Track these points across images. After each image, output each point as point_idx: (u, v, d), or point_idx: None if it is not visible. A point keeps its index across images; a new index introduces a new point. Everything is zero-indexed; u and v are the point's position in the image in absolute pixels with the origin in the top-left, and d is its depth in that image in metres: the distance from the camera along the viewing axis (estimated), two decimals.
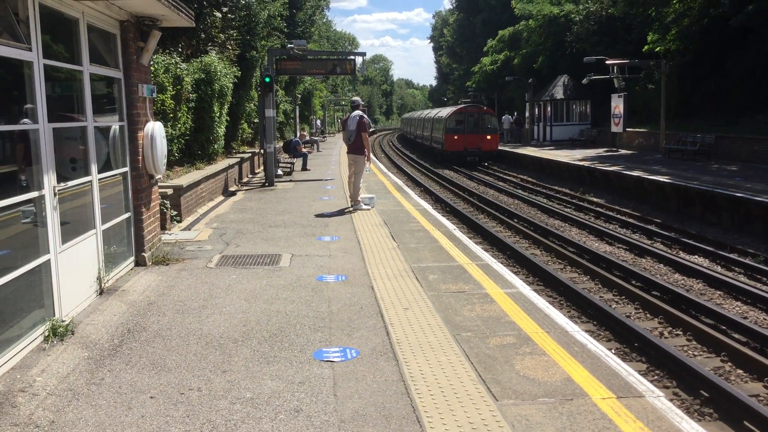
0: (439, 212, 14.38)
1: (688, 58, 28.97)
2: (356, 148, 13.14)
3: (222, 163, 16.76)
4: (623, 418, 4.15)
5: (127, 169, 7.99)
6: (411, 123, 62.47)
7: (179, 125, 13.51)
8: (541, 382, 4.71)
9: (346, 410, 4.32)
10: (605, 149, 32.04)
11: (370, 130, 15.36)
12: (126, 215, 8.01)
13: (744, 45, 26.06)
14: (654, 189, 19.19)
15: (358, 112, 13.19)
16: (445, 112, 38.57)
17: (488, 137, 34.90)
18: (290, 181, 19.40)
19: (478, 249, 9.39)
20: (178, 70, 13.41)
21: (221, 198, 15.43)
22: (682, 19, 27.86)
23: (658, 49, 29.50)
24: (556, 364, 5.03)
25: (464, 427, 4.05)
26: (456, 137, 34.90)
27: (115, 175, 7.71)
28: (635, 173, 20.66)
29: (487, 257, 8.83)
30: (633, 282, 10.77)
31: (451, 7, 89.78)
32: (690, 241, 13.98)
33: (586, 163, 25.20)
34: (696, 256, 12.92)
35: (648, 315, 9.24)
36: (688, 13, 27.54)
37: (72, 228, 6.30)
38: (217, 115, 16.57)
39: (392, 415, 4.23)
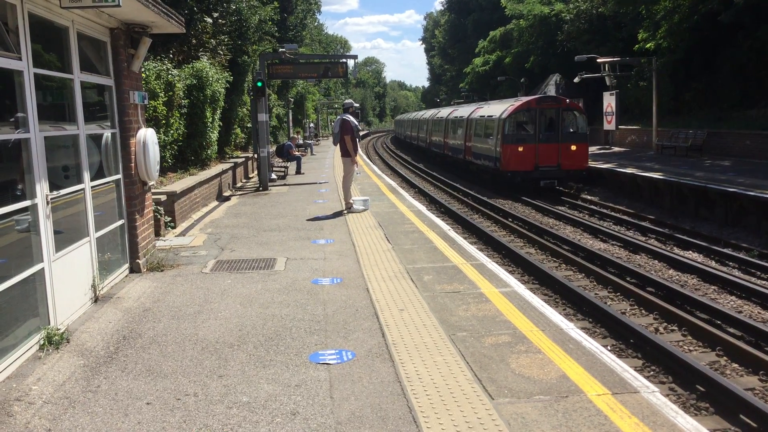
0: (433, 213, 14.40)
1: (679, 55, 29.10)
2: (343, 151, 13.27)
3: (215, 169, 16.75)
4: (618, 414, 4.17)
5: (120, 176, 7.99)
6: (412, 126, 50.77)
7: (172, 131, 13.51)
8: (536, 380, 4.73)
9: (343, 412, 4.33)
10: (598, 147, 32.12)
11: (361, 133, 15.42)
12: (120, 222, 8.00)
13: (734, 41, 26.18)
14: (647, 185, 19.24)
15: (344, 115, 13.30)
16: (496, 108, 24.71)
17: (572, 148, 21.96)
18: (284, 185, 19.40)
19: (472, 249, 9.41)
20: (169, 76, 13.41)
21: (215, 203, 15.42)
22: (672, 16, 27.98)
23: (648, 45, 29.62)
24: (552, 362, 5.05)
25: (460, 427, 4.07)
26: (521, 149, 22.01)
27: (108, 182, 7.70)
28: (628, 170, 20.72)
29: (481, 257, 8.85)
30: (628, 279, 10.80)
31: (442, 8, 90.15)
32: (684, 237, 14.04)
33: None
34: (690, 252, 12.97)
35: (643, 311, 9.27)
36: (678, 10, 27.67)
37: (65, 236, 6.30)
38: (210, 120, 16.58)
39: (389, 416, 4.24)
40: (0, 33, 5.19)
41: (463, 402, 4.40)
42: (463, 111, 31.08)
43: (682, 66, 29.21)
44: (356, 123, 13.51)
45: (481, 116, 26.02)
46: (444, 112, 37.58)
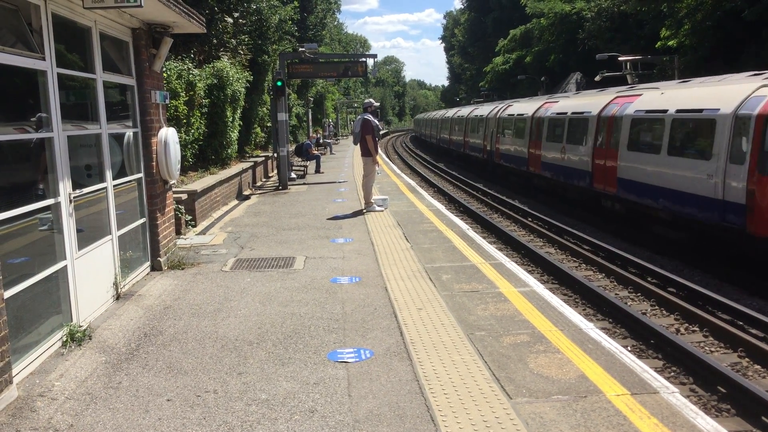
0: (452, 212, 14.37)
1: (702, 53, 28.76)
2: (364, 151, 13.25)
3: (236, 168, 16.85)
4: (638, 415, 4.14)
5: (141, 175, 8.07)
6: (445, 126, 43.36)
7: (192, 130, 13.61)
8: (555, 379, 4.71)
9: (361, 410, 4.35)
10: None
11: (381, 132, 15.45)
12: (141, 221, 8.09)
13: (758, 38, 25.84)
14: None
15: (364, 115, 13.29)
16: (707, 94, 12.59)
17: None
18: (303, 184, 19.48)
19: (491, 248, 9.39)
20: (190, 76, 13.51)
21: (235, 202, 15.52)
22: (695, 14, 27.67)
23: (671, 43, 29.33)
24: (570, 362, 5.03)
25: (478, 426, 4.06)
26: None
27: (130, 181, 7.79)
28: None
29: (500, 256, 8.83)
30: (649, 279, 10.70)
31: (462, 7, 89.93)
32: None
33: None
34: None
35: (664, 312, 9.19)
36: (700, 7, 27.36)
37: (88, 234, 6.38)
38: (230, 119, 16.67)
39: (406, 415, 4.25)
40: (24, 33, 5.27)
41: (481, 401, 4.40)
42: (575, 102, 19.55)
43: (705, 64, 28.85)
44: (377, 123, 13.51)
45: (653, 112, 13.87)
46: (520, 107, 25.30)
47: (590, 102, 18.13)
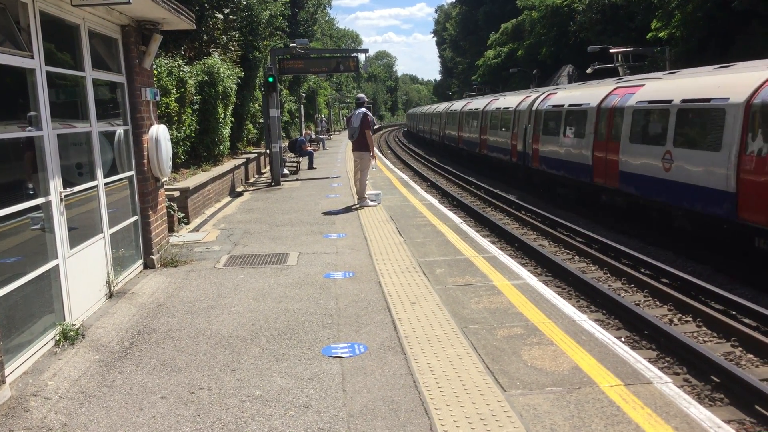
0: (445, 206, 14.39)
1: (693, 44, 28.83)
2: (361, 146, 13.19)
3: (228, 164, 16.81)
4: (631, 405, 4.16)
5: (132, 172, 8.04)
6: (445, 121, 39.32)
7: (184, 128, 13.56)
8: (548, 371, 4.73)
9: (355, 404, 4.35)
10: None
11: (375, 127, 15.43)
12: (133, 218, 8.06)
13: (748, 28, 25.92)
14: None
15: (362, 110, 13.22)
16: None
17: None
18: (297, 180, 19.44)
19: (485, 242, 9.40)
20: (181, 72, 13.46)
21: (228, 199, 15.49)
22: (686, 5, 27.72)
23: (662, 34, 29.39)
24: (564, 354, 5.05)
25: (472, 418, 4.07)
26: None
27: (121, 179, 7.75)
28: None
29: (494, 250, 8.84)
30: (642, 270, 10.74)
31: (453, 0, 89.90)
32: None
33: None
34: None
35: (657, 302, 9.23)
36: None
37: (80, 233, 6.35)
38: (222, 116, 16.62)
39: (401, 408, 4.26)
40: (12, 32, 5.23)
41: (475, 394, 4.41)
42: (681, 84, 13.22)
43: (696, 55, 28.92)
44: (373, 118, 13.48)
45: None
46: (572, 95, 19.03)
47: (716, 83, 11.79)
